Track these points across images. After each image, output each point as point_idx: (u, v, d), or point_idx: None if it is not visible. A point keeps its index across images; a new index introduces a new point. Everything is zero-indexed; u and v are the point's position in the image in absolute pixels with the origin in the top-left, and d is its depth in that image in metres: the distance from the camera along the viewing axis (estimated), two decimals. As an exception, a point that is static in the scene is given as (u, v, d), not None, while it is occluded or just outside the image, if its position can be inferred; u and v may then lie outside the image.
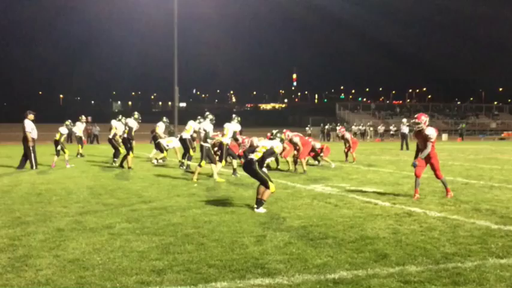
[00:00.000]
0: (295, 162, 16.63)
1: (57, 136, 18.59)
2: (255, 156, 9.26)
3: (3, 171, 16.56)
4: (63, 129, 18.98)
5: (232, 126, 15.07)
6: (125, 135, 17.70)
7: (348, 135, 21.47)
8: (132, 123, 17.99)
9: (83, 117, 27.19)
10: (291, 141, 16.47)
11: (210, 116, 15.25)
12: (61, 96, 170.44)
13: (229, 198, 10.33)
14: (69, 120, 21.38)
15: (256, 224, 7.72)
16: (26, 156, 17.53)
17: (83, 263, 5.60)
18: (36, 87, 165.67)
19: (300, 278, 5.13)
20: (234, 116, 16.03)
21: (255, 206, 8.93)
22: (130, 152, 17.27)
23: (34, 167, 17.22)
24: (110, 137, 19.77)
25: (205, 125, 14.82)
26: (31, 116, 17.59)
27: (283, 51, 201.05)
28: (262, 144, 9.63)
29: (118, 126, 19.10)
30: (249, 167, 9.23)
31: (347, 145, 21.10)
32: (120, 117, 19.89)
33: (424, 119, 10.39)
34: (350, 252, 6.11)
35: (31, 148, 17.45)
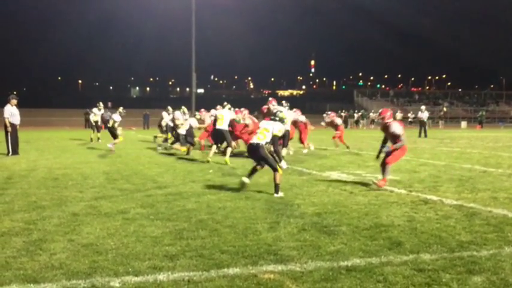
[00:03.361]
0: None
1: (111, 123, 19.24)
2: (257, 139, 9.36)
3: (22, 156, 16.69)
4: (117, 117, 19.34)
5: (228, 113, 15.85)
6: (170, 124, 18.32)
7: (338, 121, 20.29)
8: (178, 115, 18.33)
9: (101, 104, 27.27)
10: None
11: (228, 106, 15.85)
12: (80, 81, 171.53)
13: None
14: (121, 109, 21.71)
15: (270, 211, 7.70)
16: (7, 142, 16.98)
17: (97, 248, 5.62)
18: (55, 72, 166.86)
19: (313, 265, 5.10)
20: (225, 103, 17.10)
21: (276, 191, 9.02)
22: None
23: (9, 154, 16.68)
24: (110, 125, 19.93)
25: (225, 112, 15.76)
26: (13, 102, 17.01)
27: (302, 38, 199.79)
28: (263, 126, 9.64)
29: (165, 117, 21.01)
30: (256, 151, 9.31)
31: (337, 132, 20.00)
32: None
33: (387, 114, 10.19)
34: (364, 239, 6.06)
35: (8, 134, 16.85)
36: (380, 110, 10.34)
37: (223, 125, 15.16)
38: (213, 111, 18.31)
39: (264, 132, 9.44)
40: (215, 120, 15.47)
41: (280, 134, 9.91)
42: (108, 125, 19.63)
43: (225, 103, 17.86)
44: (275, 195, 8.90)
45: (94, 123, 26.57)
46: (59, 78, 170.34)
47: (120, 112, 19.94)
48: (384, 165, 9.95)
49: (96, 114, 26.44)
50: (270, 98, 16.18)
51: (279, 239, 6.05)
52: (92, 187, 10.00)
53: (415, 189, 9.80)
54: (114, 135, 19.22)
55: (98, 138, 25.21)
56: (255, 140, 9.43)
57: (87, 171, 12.61)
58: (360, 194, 9.29)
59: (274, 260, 5.25)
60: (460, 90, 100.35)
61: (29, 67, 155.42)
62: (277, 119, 9.80)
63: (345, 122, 56.10)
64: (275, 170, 9.06)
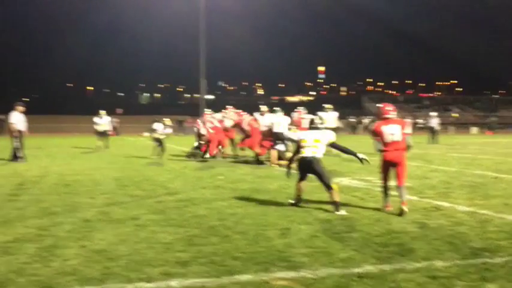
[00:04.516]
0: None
1: (161, 137, 18.17)
2: (312, 152, 8.41)
3: (33, 162, 16.79)
4: (168, 130, 18.66)
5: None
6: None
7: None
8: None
9: (101, 112, 25.03)
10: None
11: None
12: (90, 88, 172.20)
13: (255, 191, 10.31)
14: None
15: (281, 217, 7.69)
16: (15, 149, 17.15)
17: (109, 254, 5.64)
18: (66, 79, 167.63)
19: (325, 271, 5.09)
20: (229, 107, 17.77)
21: (336, 209, 8.12)
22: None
23: (14, 159, 16.87)
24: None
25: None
26: (20, 108, 17.30)
27: (311, 44, 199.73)
28: (312, 137, 8.60)
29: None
30: (310, 165, 8.38)
31: None
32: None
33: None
34: (376, 246, 6.04)
35: (14, 140, 17.06)
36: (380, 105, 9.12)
37: (280, 128, 15.49)
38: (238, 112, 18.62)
39: (316, 144, 8.51)
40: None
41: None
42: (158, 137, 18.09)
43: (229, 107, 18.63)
44: (336, 212, 8.05)
45: (99, 132, 24.59)
46: (69, 85, 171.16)
47: (166, 124, 18.80)
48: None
49: (98, 124, 24.48)
50: (299, 108, 16.51)
51: (290, 246, 6.05)
52: (103, 193, 10.04)
53: (427, 196, 9.76)
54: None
55: (106, 146, 24.17)
56: (309, 153, 8.45)
57: (98, 177, 12.66)
58: (371, 200, 9.27)
59: (285, 266, 5.25)
60: (470, 95, 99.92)
61: (40, 74, 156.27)
62: (318, 125, 8.95)
63: (354, 128, 56.08)
64: (330, 188, 8.31)
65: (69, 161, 17.68)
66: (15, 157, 16.93)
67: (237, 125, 18.19)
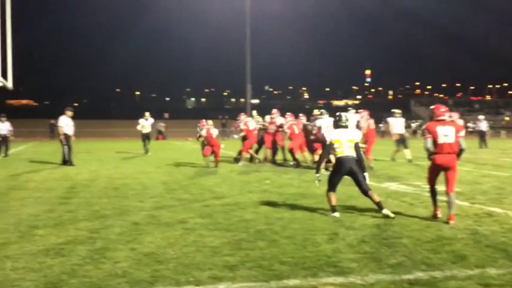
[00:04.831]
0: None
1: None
2: (349, 153, 8.28)
3: (83, 166, 17.17)
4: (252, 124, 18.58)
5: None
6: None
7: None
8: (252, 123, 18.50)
9: (147, 114, 24.90)
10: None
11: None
12: (137, 93, 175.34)
13: (302, 196, 10.27)
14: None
15: (328, 222, 7.64)
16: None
17: (158, 257, 5.71)
18: (114, 84, 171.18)
19: (374, 277, 5.03)
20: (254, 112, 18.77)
21: (380, 208, 8.05)
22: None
23: (64, 163, 17.30)
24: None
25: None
26: (68, 113, 17.75)
27: (357, 47, 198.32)
28: (346, 137, 8.42)
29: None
30: (353, 166, 8.26)
31: None
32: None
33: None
34: (426, 252, 5.93)
35: (63, 142, 17.52)
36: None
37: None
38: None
39: (350, 144, 8.37)
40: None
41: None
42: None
43: (253, 111, 18.73)
44: (382, 212, 7.99)
45: (143, 134, 24.51)
46: (118, 90, 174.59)
47: (257, 120, 19.10)
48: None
49: (144, 126, 24.39)
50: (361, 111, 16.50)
51: (339, 251, 5.99)
52: (151, 197, 10.18)
53: (478, 202, 9.53)
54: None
55: (147, 151, 23.94)
56: (345, 153, 8.29)
57: (146, 181, 12.85)
58: (420, 205, 9.11)
59: (334, 272, 5.20)
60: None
61: (89, 80, 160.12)
62: (345, 124, 8.69)
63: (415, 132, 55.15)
64: (368, 189, 8.26)
65: (118, 164, 18.01)
66: (64, 161, 17.35)
67: (280, 128, 18.00)
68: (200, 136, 17.54)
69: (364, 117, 16.49)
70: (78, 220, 7.78)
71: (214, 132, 16.86)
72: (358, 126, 15.77)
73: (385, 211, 7.99)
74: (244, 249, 6.03)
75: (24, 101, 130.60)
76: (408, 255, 5.79)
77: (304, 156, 17.09)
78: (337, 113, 9.06)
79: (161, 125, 48.03)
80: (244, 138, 18.10)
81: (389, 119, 19.07)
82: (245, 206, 9.08)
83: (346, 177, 8.37)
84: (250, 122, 18.34)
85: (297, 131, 16.99)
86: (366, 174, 8.34)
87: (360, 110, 17.45)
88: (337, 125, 8.73)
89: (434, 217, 7.89)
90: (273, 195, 10.31)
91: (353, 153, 8.31)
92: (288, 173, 14.59)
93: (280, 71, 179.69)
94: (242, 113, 19.40)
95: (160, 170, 15.97)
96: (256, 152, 18.67)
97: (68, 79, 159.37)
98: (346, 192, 10.59)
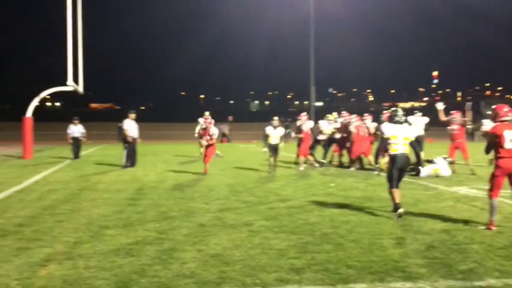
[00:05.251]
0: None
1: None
2: (404, 150, 8.33)
3: (150, 168, 17.56)
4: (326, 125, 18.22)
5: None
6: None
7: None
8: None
9: (207, 114, 24.87)
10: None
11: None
12: (202, 96, 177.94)
13: (368, 199, 10.14)
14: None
15: (395, 226, 7.50)
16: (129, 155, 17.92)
17: (224, 258, 5.77)
18: (179, 88, 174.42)
19: (444, 283, 4.90)
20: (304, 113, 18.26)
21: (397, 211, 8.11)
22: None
23: (126, 166, 17.53)
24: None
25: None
26: (132, 116, 18.09)
27: (423, 48, 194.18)
28: (404, 134, 8.41)
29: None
30: (405, 164, 8.39)
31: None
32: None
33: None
34: (499, 259, 5.73)
35: (125, 145, 17.84)
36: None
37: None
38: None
39: (405, 142, 8.38)
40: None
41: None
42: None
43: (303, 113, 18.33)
44: (395, 212, 8.10)
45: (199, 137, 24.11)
46: (183, 93, 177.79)
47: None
48: None
49: (202, 125, 24.00)
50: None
51: (407, 256, 5.88)
52: (216, 199, 10.29)
53: (554, 207, 9.13)
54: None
55: (202, 153, 23.30)
56: (403, 150, 8.33)
57: (212, 183, 13.00)
58: (491, 210, 8.79)
59: (402, 277, 5.11)
60: None
61: (155, 84, 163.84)
62: (401, 120, 8.64)
63: (471, 135, 53.56)
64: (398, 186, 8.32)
65: (184, 167, 18.31)
66: (130, 163, 17.76)
67: (344, 129, 17.61)
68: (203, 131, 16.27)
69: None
70: (146, 221, 7.96)
71: (215, 132, 15.84)
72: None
73: (400, 210, 8.04)
74: (310, 252, 6.00)
75: (108, 105, 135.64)
76: (480, 262, 5.61)
77: (369, 159, 16.83)
78: (393, 108, 8.97)
79: (226, 128, 48.49)
80: (300, 141, 17.65)
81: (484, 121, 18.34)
82: (310, 209, 9.04)
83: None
84: (306, 124, 17.88)
85: (361, 134, 16.73)
86: (420, 168, 8.40)
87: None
88: (394, 120, 8.63)
89: (488, 226, 7.39)
90: (338, 199, 10.22)
91: (407, 150, 8.38)
92: (353, 176, 14.44)
93: (344, 73, 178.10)
94: (303, 113, 18.67)
95: (225, 172, 16.12)
96: (324, 156, 18.17)
97: (136, 83, 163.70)
98: (414, 196, 10.41)
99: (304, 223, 7.74)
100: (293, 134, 17.57)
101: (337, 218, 8.15)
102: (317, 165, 17.28)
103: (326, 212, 8.71)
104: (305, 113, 18.30)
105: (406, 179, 11.21)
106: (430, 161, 14.69)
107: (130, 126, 17.90)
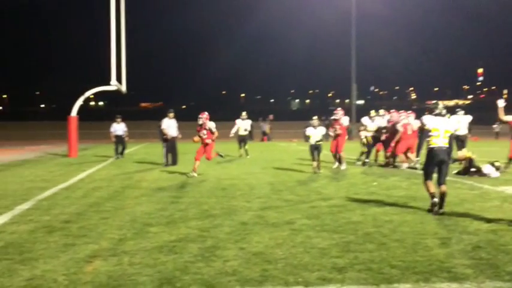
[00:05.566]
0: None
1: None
2: (444, 143, 8.41)
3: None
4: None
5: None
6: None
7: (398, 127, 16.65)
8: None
9: (244, 114, 23.81)
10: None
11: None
12: (242, 95, 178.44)
13: (411, 198, 9.99)
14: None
15: (440, 226, 7.38)
16: (171, 153, 18.26)
17: (266, 257, 5.76)
18: (220, 87, 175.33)
19: (491, 285, 4.79)
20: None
21: (440, 207, 8.23)
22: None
23: (165, 164, 17.88)
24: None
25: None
26: (170, 115, 18.32)
27: (468, 45, 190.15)
28: (445, 127, 8.45)
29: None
30: (445, 157, 8.48)
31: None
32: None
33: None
34: (549, 260, 5.57)
35: (163, 144, 18.23)
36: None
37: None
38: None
39: (446, 134, 8.45)
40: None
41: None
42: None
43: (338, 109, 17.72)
44: (440, 210, 8.21)
45: (240, 136, 23.27)
46: (223, 92, 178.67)
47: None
48: None
49: (240, 126, 23.18)
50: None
51: (452, 256, 5.77)
52: (258, 197, 10.31)
53: None
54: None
55: (246, 153, 22.66)
56: (443, 143, 8.40)
57: (253, 181, 13.03)
58: (540, 210, 8.57)
59: (447, 277, 5.01)
60: None
61: (197, 83, 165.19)
62: (443, 113, 8.64)
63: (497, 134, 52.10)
64: (444, 183, 8.39)
65: (225, 165, 18.40)
66: (172, 161, 18.04)
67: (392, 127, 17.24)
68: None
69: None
70: (188, 219, 8.03)
71: (212, 126, 14.98)
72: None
73: (441, 210, 8.15)
74: (352, 252, 5.95)
75: (157, 104, 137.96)
76: (529, 263, 5.46)
77: (410, 157, 16.52)
78: (434, 101, 9.02)
79: (266, 126, 48.48)
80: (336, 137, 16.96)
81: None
82: (352, 207, 8.97)
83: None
84: (343, 120, 17.55)
85: (409, 132, 16.40)
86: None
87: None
88: (435, 112, 8.69)
89: None
90: (380, 198, 10.11)
91: (447, 144, 8.43)
92: (395, 175, 14.25)
93: (386, 71, 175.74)
94: (339, 108, 18.01)
95: (266, 171, 16.13)
96: (367, 154, 17.93)
97: (178, 82, 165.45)
98: (459, 195, 10.23)
99: (346, 222, 7.68)
100: (331, 132, 16.98)
101: (380, 217, 8.07)
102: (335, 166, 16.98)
103: (368, 211, 8.62)
104: (340, 108, 17.90)
105: (451, 178, 11.07)
106: (478, 169, 14.15)
107: (169, 125, 18.13)
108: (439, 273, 5.13)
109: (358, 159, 18.12)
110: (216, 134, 14.97)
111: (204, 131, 14.75)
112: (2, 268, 5.37)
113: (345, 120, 17.36)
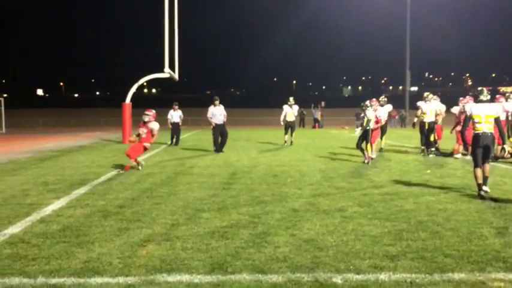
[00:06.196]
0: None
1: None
2: (488, 129, 8.63)
3: (243, 153, 17.82)
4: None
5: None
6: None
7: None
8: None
9: (291, 100, 22.30)
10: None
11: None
12: (294, 82, 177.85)
13: (466, 186, 9.76)
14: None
15: (496, 215, 7.19)
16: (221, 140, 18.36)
17: (317, 244, 5.76)
18: (272, 74, 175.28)
19: (550, 276, 4.65)
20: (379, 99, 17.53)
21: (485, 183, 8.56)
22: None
23: (215, 151, 18.00)
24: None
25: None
26: (216, 102, 18.37)
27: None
28: (486, 112, 8.60)
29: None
30: (490, 143, 8.67)
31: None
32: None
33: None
34: None
35: (213, 131, 18.38)
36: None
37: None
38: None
39: (489, 120, 8.58)
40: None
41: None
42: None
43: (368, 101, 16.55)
44: (484, 187, 8.52)
45: (287, 122, 22.20)
46: (275, 79, 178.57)
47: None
48: None
49: (287, 112, 22.02)
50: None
51: (508, 246, 5.62)
52: (309, 184, 10.28)
53: None
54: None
55: (291, 142, 21.95)
56: (487, 128, 8.56)
57: (304, 168, 13.00)
58: None
59: (503, 267, 4.89)
60: None
61: (249, 69, 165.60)
62: (486, 99, 8.78)
63: None
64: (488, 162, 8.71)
65: (276, 152, 18.43)
66: (216, 149, 18.18)
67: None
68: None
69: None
70: (240, 205, 8.09)
71: (155, 128, 13.50)
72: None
73: (485, 188, 8.43)
74: (405, 240, 5.88)
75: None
76: None
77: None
78: (479, 88, 9.03)
79: (318, 113, 48.24)
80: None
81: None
82: (405, 195, 8.84)
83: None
84: (382, 109, 17.14)
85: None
86: (505, 146, 9.03)
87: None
88: (478, 99, 8.84)
89: None
90: (434, 186, 9.92)
91: (491, 129, 8.55)
92: (450, 163, 13.96)
93: (441, 57, 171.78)
94: (374, 99, 16.89)
95: (317, 158, 16.06)
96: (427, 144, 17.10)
97: (230, 69, 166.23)
98: (516, 184, 9.92)
99: (399, 210, 7.58)
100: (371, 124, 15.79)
101: (433, 205, 7.93)
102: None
103: (421, 199, 8.48)
104: (375, 99, 17.03)
105: (508, 166, 10.78)
106: None
107: (214, 113, 18.25)
108: (494, 263, 5.01)
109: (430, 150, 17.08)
110: (155, 138, 13.70)
111: (145, 130, 13.30)
112: (60, 250, 5.55)
113: (386, 109, 17.36)
